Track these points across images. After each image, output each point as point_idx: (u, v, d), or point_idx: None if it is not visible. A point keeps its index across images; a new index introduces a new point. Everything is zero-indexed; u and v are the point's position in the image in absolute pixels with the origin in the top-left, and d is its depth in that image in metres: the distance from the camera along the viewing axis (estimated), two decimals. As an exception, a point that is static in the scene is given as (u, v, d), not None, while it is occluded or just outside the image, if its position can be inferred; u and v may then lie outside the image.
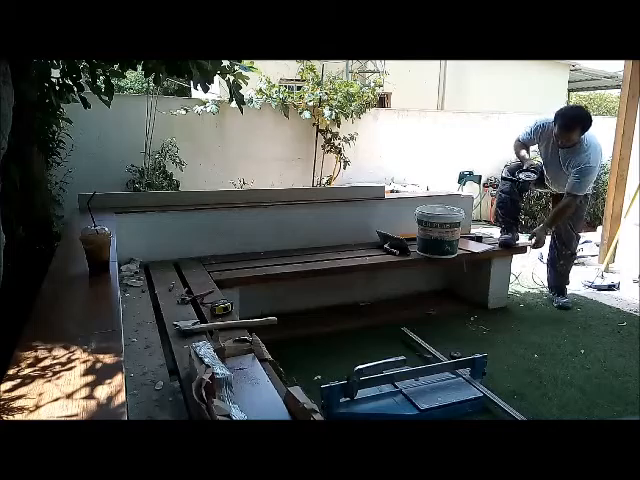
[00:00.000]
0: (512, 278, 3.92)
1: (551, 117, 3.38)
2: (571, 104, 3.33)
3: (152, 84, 4.09)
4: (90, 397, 0.94)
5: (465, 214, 3.46)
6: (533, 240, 3.52)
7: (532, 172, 3.48)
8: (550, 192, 3.90)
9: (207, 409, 1.23)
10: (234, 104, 2.62)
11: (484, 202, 7.21)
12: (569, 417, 2.30)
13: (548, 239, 3.81)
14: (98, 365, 1.06)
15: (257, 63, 2.68)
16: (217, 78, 2.42)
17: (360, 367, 2.21)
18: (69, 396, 0.94)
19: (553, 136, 3.37)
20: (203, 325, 1.98)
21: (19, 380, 0.99)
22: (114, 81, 2.66)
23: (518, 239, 3.69)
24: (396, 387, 2.36)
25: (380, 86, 7.26)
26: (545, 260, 4.02)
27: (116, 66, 2.55)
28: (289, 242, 3.34)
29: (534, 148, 3.74)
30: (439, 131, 6.99)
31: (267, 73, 5.76)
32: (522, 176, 3.52)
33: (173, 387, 1.56)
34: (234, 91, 2.51)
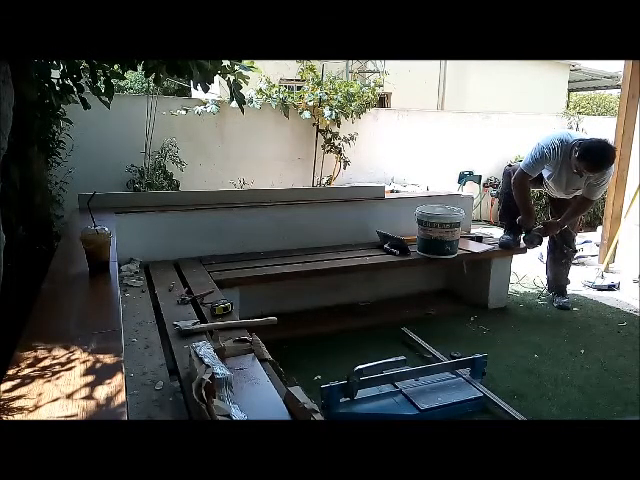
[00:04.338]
0: (513, 278, 3.92)
1: (555, 134, 3.27)
2: (597, 139, 3.16)
3: (152, 84, 4.08)
4: (90, 397, 0.94)
5: (465, 214, 3.46)
6: (543, 228, 3.47)
7: (537, 236, 3.44)
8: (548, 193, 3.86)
9: (207, 409, 1.23)
10: (234, 104, 2.62)
11: (484, 202, 7.21)
12: (569, 417, 2.30)
13: (546, 240, 3.80)
14: (98, 365, 1.06)
15: (257, 63, 2.68)
16: (217, 78, 2.42)
17: (360, 367, 2.21)
18: (69, 396, 0.94)
19: (572, 164, 3.17)
20: (203, 325, 1.98)
21: (19, 380, 0.99)
22: (114, 81, 2.66)
23: (520, 242, 3.60)
24: (396, 387, 2.36)
25: (380, 86, 7.26)
26: (545, 260, 4.01)
27: (116, 66, 2.55)
28: (289, 242, 3.34)
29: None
30: (439, 131, 6.98)
31: (267, 73, 5.76)
32: (525, 243, 3.50)
33: (173, 387, 1.56)
34: (235, 91, 2.51)
